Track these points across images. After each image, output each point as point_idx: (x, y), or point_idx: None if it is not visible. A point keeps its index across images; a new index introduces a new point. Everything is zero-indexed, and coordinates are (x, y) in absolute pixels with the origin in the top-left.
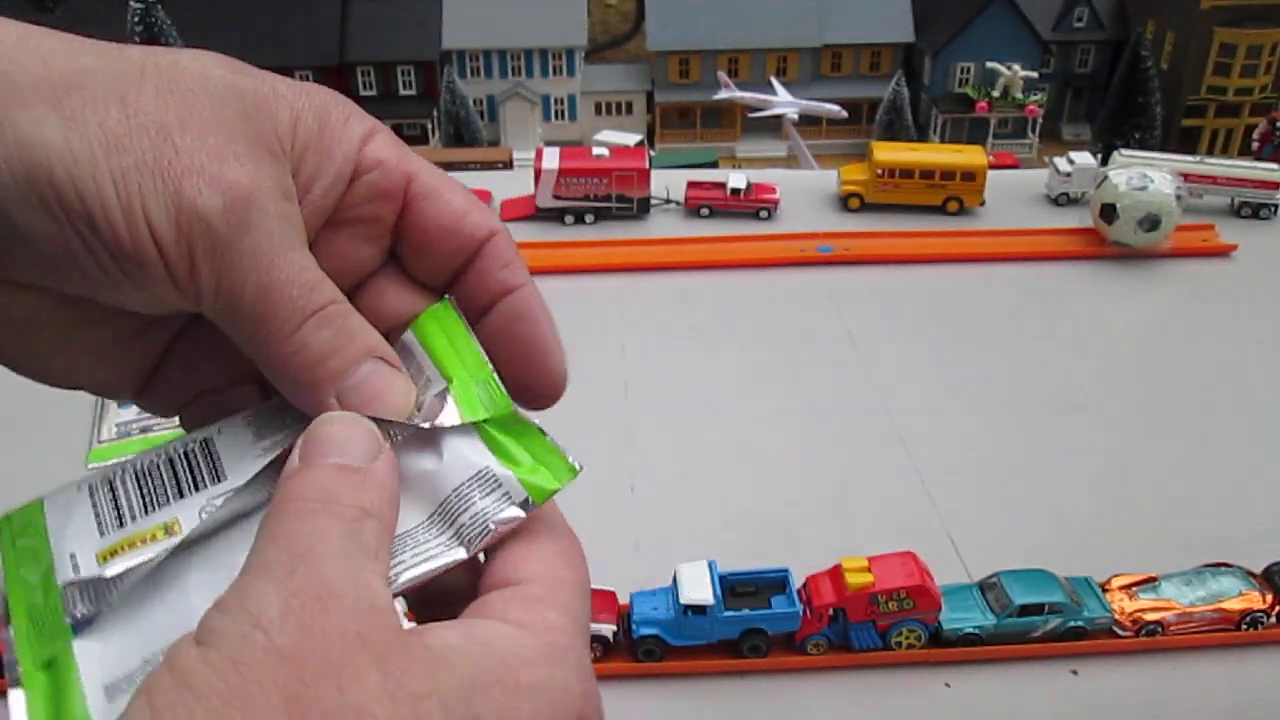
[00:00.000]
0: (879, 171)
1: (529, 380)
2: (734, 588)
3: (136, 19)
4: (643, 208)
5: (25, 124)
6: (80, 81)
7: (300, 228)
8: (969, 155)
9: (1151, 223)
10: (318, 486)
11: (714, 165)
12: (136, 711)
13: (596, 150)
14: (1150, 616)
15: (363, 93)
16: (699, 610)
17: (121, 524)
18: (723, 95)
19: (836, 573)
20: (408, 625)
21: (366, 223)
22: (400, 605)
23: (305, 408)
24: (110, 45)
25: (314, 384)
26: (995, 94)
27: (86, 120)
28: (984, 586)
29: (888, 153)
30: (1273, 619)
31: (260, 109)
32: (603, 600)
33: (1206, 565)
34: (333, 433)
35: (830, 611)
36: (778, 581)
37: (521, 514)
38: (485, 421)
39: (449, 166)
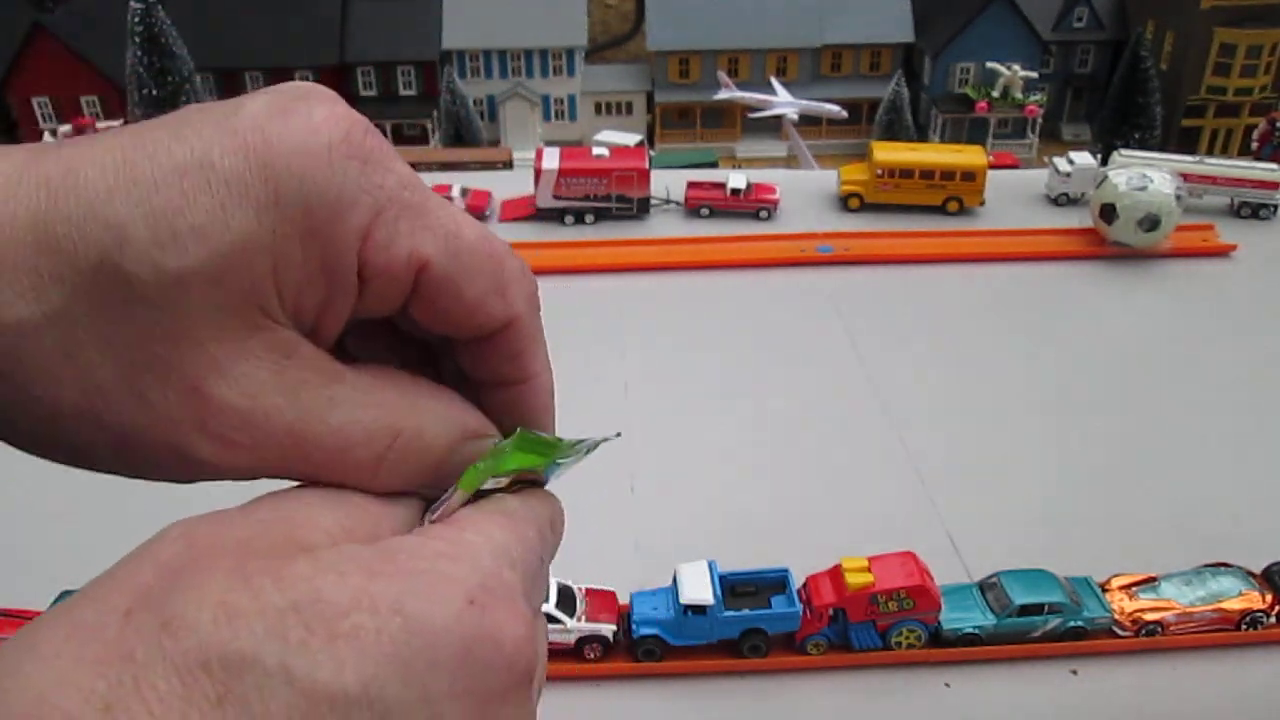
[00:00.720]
0: (879, 171)
1: None
2: (734, 588)
3: (137, 19)
4: (643, 208)
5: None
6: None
7: (320, 371)
8: (969, 155)
9: (1151, 223)
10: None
11: (714, 165)
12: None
13: (596, 150)
14: (1150, 616)
15: (363, 93)
16: (699, 610)
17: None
18: (723, 95)
19: (836, 573)
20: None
21: (377, 305)
22: None
23: None
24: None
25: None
26: (995, 94)
27: (83, 367)
28: (984, 586)
29: (888, 153)
30: (1272, 619)
31: (230, 280)
32: (603, 600)
33: (1206, 565)
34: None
35: (830, 611)
36: (778, 581)
37: (448, 499)
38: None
39: (449, 167)
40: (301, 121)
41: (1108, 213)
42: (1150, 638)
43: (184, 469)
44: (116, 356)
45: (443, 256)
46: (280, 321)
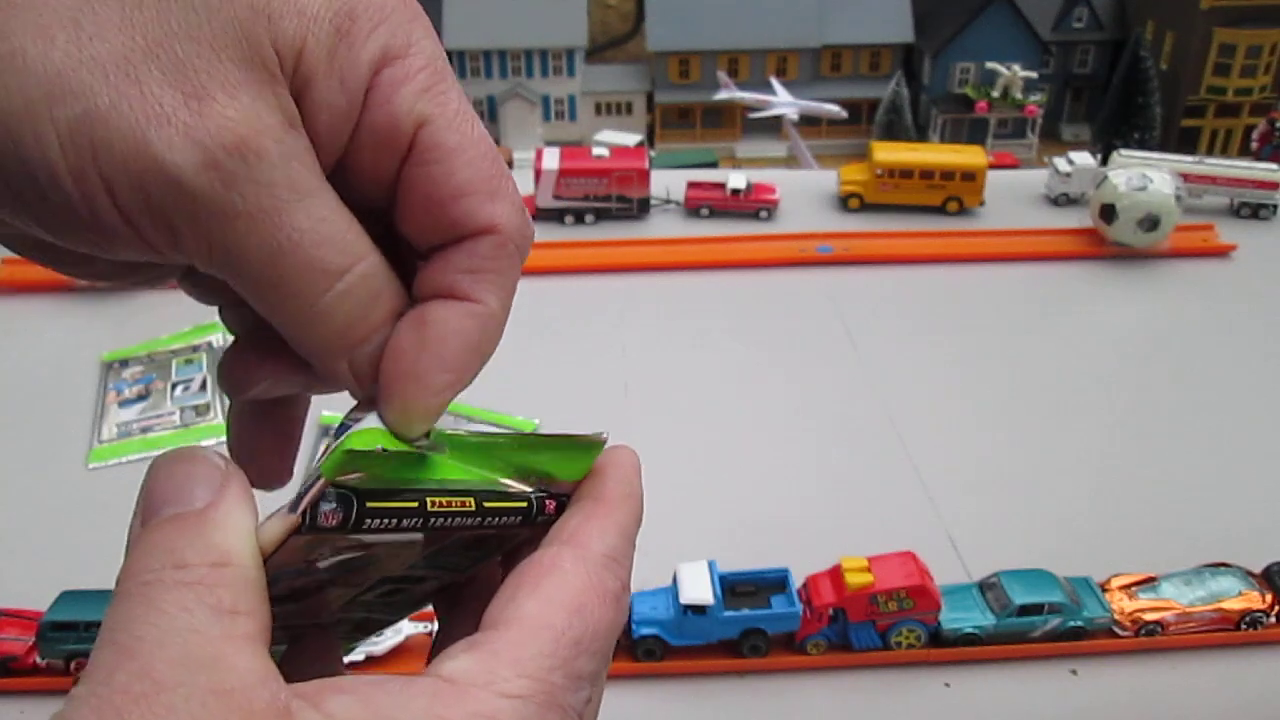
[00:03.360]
0: (879, 171)
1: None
2: (734, 588)
3: None
4: (643, 208)
5: None
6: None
7: (312, 164)
8: (969, 155)
9: (1151, 223)
10: (158, 550)
11: (714, 165)
12: None
13: (596, 150)
14: (1150, 616)
15: None
16: (699, 610)
17: None
18: (723, 95)
19: (836, 573)
20: (294, 699)
21: (367, 172)
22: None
23: (313, 364)
24: None
25: (328, 353)
26: (995, 94)
27: (24, 55)
28: (984, 586)
29: (888, 153)
30: (1273, 619)
31: (258, 17)
32: None
33: (1206, 565)
34: (167, 474)
35: (830, 611)
36: (778, 581)
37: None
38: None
39: None
40: None
41: (1108, 213)
42: (1150, 638)
43: (142, 183)
44: (126, 39)
45: (444, 122)
46: (291, 95)
